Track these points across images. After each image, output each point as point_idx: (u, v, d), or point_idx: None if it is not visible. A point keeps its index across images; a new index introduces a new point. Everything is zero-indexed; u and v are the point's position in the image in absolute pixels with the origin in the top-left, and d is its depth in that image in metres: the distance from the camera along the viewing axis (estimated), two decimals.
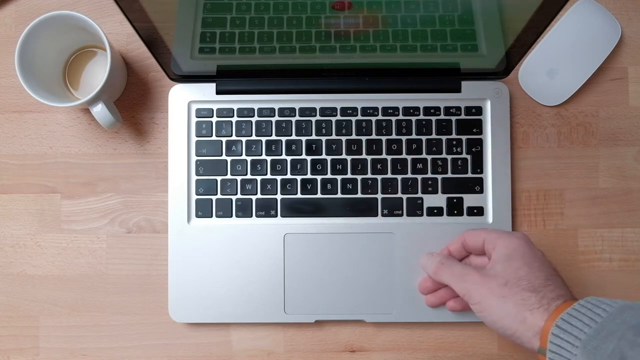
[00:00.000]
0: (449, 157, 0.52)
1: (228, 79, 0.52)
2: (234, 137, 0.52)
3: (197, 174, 0.52)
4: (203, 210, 0.52)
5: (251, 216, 0.52)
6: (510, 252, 0.43)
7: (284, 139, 0.52)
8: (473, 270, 0.44)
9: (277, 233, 0.52)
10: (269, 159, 0.52)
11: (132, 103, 0.55)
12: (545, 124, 0.54)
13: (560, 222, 0.54)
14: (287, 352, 0.53)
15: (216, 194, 0.52)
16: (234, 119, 0.53)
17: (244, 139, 0.52)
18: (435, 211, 0.52)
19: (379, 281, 0.51)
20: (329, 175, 0.52)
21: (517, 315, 0.40)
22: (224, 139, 0.52)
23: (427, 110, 0.52)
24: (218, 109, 0.53)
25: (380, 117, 0.52)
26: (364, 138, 0.52)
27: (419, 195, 0.52)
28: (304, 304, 0.51)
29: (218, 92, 0.52)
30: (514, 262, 0.43)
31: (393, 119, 0.52)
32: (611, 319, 0.36)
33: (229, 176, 0.52)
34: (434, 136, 0.52)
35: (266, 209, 0.52)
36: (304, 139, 0.52)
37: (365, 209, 0.52)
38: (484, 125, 0.52)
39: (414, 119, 0.52)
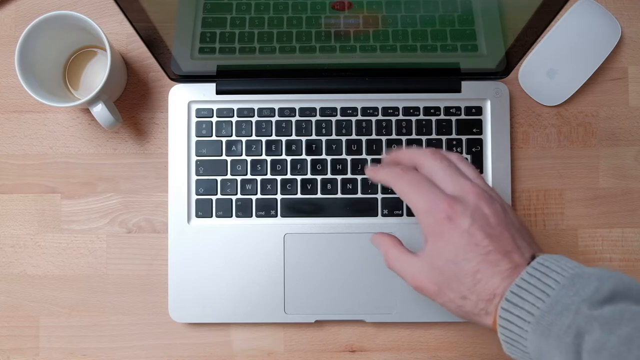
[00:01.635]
0: None
1: (228, 79, 0.52)
2: (234, 137, 0.53)
3: (197, 174, 0.52)
4: (203, 210, 0.52)
5: (251, 216, 0.52)
6: (431, 247, 0.40)
7: (284, 139, 0.52)
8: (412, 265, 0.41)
9: (277, 233, 0.52)
10: (269, 159, 0.52)
11: (132, 103, 0.55)
12: (545, 124, 0.54)
13: (560, 222, 0.54)
14: (287, 352, 0.53)
15: (216, 194, 0.52)
16: (234, 119, 0.53)
17: (244, 139, 0.52)
18: None
19: (379, 281, 0.51)
20: (329, 175, 0.52)
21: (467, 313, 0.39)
22: (224, 139, 0.52)
23: (427, 111, 0.52)
24: (218, 109, 0.53)
25: (380, 117, 0.52)
26: (364, 138, 0.52)
27: None
28: (304, 304, 0.51)
29: (218, 92, 0.52)
30: (439, 259, 0.39)
31: (393, 119, 0.52)
32: (564, 292, 0.34)
33: (229, 176, 0.52)
34: (434, 136, 0.52)
35: (266, 209, 0.52)
36: (304, 139, 0.52)
37: (365, 209, 0.52)
38: (484, 125, 0.52)
39: (414, 119, 0.52)
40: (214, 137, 0.53)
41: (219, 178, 0.52)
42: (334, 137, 0.52)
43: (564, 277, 0.35)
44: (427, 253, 0.40)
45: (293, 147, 0.52)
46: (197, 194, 0.52)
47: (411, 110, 0.52)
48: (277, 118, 0.52)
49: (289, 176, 0.52)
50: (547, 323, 0.34)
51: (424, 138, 0.52)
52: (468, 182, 0.40)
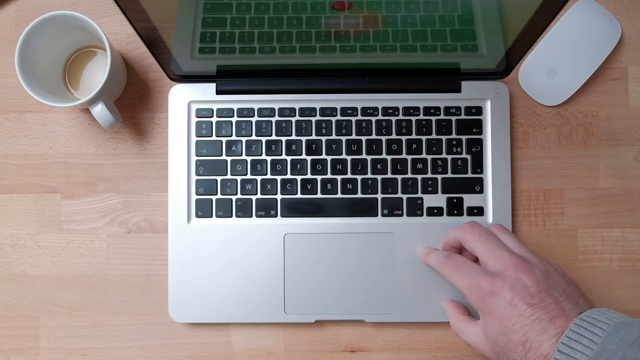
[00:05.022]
0: (449, 157, 0.52)
1: (228, 79, 0.52)
2: (234, 137, 0.53)
3: (197, 174, 0.52)
4: (203, 210, 0.52)
5: (251, 216, 0.52)
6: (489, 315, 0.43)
7: (284, 139, 0.52)
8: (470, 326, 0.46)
9: (277, 233, 0.52)
10: (269, 159, 0.52)
11: (132, 103, 0.55)
12: (545, 124, 0.54)
13: (560, 222, 0.54)
14: (287, 352, 0.53)
15: (216, 194, 0.52)
16: (234, 119, 0.53)
17: (244, 139, 0.52)
18: (435, 211, 0.52)
19: (379, 281, 0.51)
20: (329, 175, 0.52)
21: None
22: (224, 139, 0.52)
23: (427, 110, 0.52)
24: (218, 109, 0.53)
25: (380, 117, 0.52)
26: (364, 138, 0.52)
27: (419, 195, 0.52)
28: (304, 304, 0.51)
29: (218, 92, 0.52)
30: (490, 332, 0.42)
31: (393, 119, 0.52)
32: (610, 338, 0.36)
33: (229, 176, 0.52)
34: (434, 136, 0.52)
35: (266, 209, 0.52)
36: (304, 139, 0.52)
37: (365, 209, 0.52)
38: (484, 125, 0.52)
39: (414, 119, 0.52)
40: (214, 137, 0.53)
41: (219, 178, 0.52)
42: (334, 137, 0.52)
43: (609, 325, 0.37)
44: (481, 325, 0.44)
45: (293, 147, 0.52)
46: (197, 194, 0.52)
47: (411, 110, 0.52)
48: (277, 118, 0.52)
49: (289, 176, 0.52)
50: None
51: (424, 138, 0.52)
52: (506, 255, 0.43)
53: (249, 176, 0.52)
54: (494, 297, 0.41)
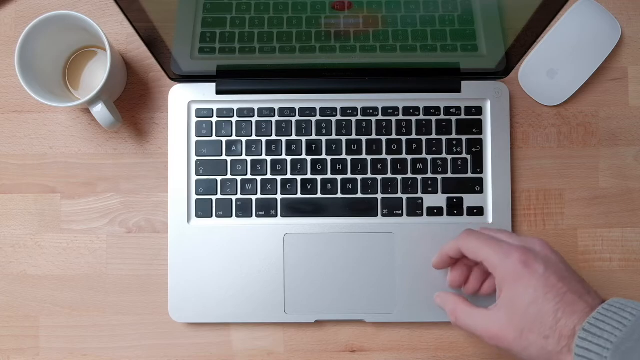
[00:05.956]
0: (449, 157, 0.52)
1: (228, 79, 0.52)
2: (234, 137, 0.53)
3: (197, 174, 0.52)
4: (203, 210, 0.52)
5: (251, 216, 0.52)
6: (512, 289, 0.42)
7: (284, 139, 0.52)
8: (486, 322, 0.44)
9: (277, 233, 0.52)
10: (269, 159, 0.52)
11: (132, 103, 0.55)
12: (545, 124, 0.54)
13: (560, 222, 0.54)
14: (287, 352, 0.53)
15: (216, 194, 0.52)
16: (234, 119, 0.53)
17: (244, 139, 0.52)
18: (435, 211, 0.52)
19: (379, 281, 0.51)
20: (329, 175, 0.52)
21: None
22: (224, 139, 0.52)
23: (427, 110, 0.52)
24: (218, 109, 0.53)
25: (380, 117, 0.52)
26: (364, 138, 0.52)
27: (419, 195, 0.52)
28: (304, 304, 0.51)
29: (218, 92, 0.53)
30: (519, 303, 0.41)
31: (393, 119, 0.52)
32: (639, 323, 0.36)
33: (229, 176, 0.52)
34: (434, 136, 0.52)
35: (266, 209, 0.52)
36: (304, 139, 0.52)
37: (365, 209, 0.52)
38: (484, 125, 0.53)
39: (414, 119, 0.52)
40: (214, 137, 0.53)
41: (219, 178, 0.52)
42: (334, 137, 0.52)
43: (639, 310, 0.37)
44: (504, 301, 0.42)
45: (293, 147, 0.52)
46: (197, 194, 0.52)
47: (411, 110, 0.52)
48: (277, 118, 0.53)
49: (289, 176, 0.52)
50: (627, 348, 0.35)
51: (424, 138, 0.52)
52: (528, 237, 0.45)
53: (249, 176, 0.52)
54: (527, 267, 0.42)
